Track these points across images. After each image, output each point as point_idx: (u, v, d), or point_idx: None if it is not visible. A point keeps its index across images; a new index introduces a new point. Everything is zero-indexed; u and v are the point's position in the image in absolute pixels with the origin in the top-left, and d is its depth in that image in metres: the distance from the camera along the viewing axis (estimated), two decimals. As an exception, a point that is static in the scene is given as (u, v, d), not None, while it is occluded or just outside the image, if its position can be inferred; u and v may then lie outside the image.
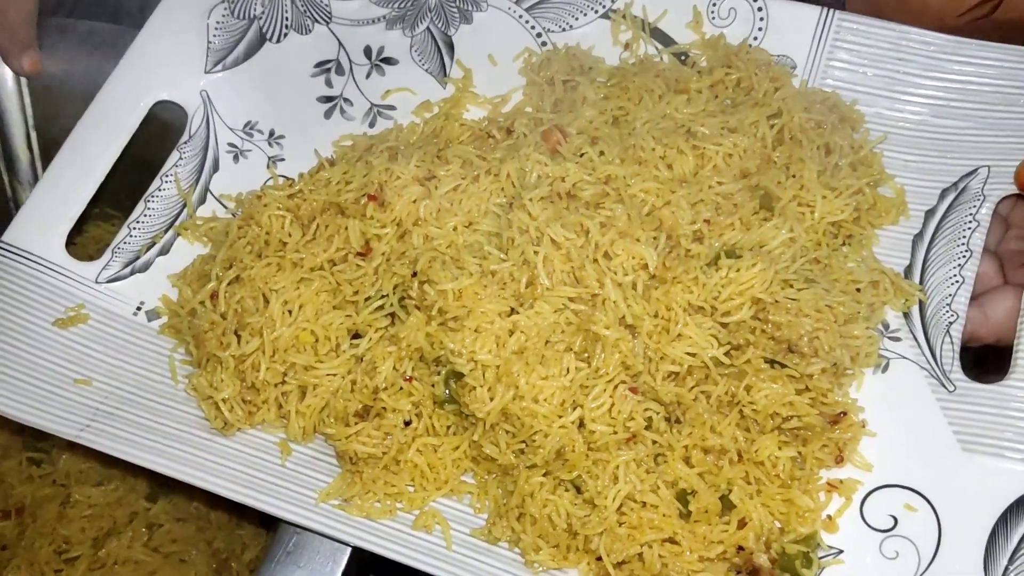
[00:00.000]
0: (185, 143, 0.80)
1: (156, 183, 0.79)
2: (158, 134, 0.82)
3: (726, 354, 0.65)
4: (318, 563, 0.66)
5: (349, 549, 0.66)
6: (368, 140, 0.78)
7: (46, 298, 0.74)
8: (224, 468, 0.67)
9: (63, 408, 0.69)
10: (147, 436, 0.68)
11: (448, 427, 0.67)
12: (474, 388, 0.64)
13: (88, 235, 0.95)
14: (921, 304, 0.68)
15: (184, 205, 0.79)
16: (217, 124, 0.81)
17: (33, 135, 0.88)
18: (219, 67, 0.82)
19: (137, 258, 0.77)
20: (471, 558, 0.63)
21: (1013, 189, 0.69)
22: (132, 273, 0.77)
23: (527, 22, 0.82)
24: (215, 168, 0.80)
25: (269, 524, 0.77)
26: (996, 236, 0.72)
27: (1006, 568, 0.58)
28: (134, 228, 0.78)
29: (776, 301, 0.65)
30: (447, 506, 0.66)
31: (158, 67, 0.81)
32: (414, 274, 0.69)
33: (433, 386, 0.66)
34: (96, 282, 0.76)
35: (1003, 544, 0.59)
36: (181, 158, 0.80)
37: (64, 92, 0.87)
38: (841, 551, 0.62)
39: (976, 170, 0.71)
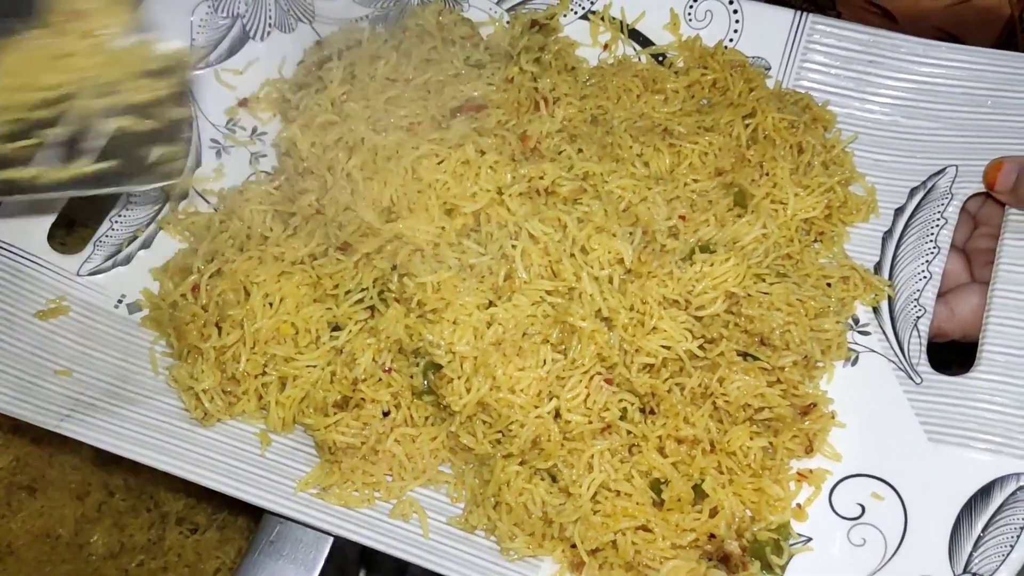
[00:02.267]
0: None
1: (139, 178, 0.80)
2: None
3: (700, 347, 0.66)
4: (301, 552, 0.66)
5: (331, 539, 0.66)
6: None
7: (28, 290, 0.75)
8: (204, 458, 0.67)
9: (43, 399, 0.70)
10: (127, 426, 0.69)
11: (426, 418, 0.68)
12: (451, 380, 0.65)
13: (77, 235, 0.95)
14: (890, 299, 0.70)
15: (166, 200, 0.80)
16: (200, 120, 0.82)
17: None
18: (202, 64, 0.83)
19: (119, 251, 0.78)
20: (448, 546, 0.64)
21: (980, 187, 0.71)
22: (114, 266, 0.77)
23: (508, 23, 0.84)
24: (198, 163, 0.81)
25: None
26: (964, 234, 0.74)
27: (970, 555, 0.59)
28: (116, 222, 0.78)
29: (749, 295, 0.67)
30: (424, 495, 0.67)
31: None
32: (394, 267, 0.70)
33: (412, 377, 0.67)
34: (78, 275, 0.76)
35: (967, 531, 0.60)
36: (163, 153, 0.81)
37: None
38: (810, 538, 0.63)
39: (944, 169, 0.73)
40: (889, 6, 0.78)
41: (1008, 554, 0.59)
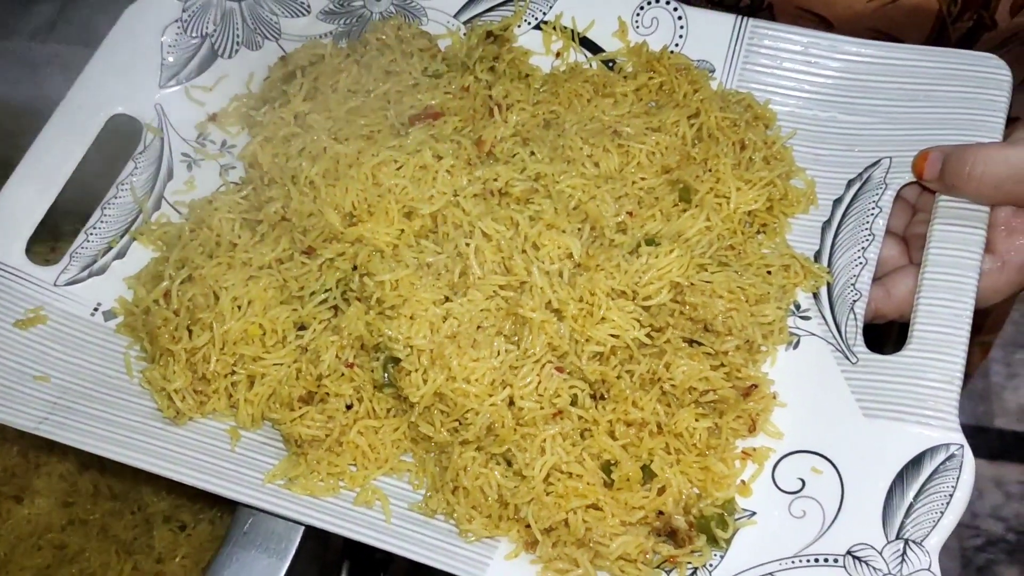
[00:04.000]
0: (140, 153, 0.85)
1: (112, 191, 0.83)
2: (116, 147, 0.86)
3: (647, 335, 0.70)
4: (273, 542, 0.69)
5: (302, 529, 0.69)
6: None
7: (7, 301, 0.78)
8: (176, 454, 0.70)
9: (21, 403, 0.73)
10: (103, 427, 0.72)
11: (388, 410, 0.71)
12: (410, 373, 0.68)
13: (61, 251, 0.99)
14: (829, 285, 0.73)
15: (140, 212, 0.83)
16: (171, 135, 0.85)
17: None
18: (172, 81, 0.87)
19: (94, 262, 0.81)
20: (409, 530, 0.67)
21: (912, 177, 0.74)
22: (89, 276, 0.81)
23: (464, 35, 0.87)
24: (169, 176, 0.85)
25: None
26: (904, 220, 0.77)
27: (903, 522, 0.62)
28: (91, 234, 0.82)
29: (692, 284, 0.70)
30: (387, 483, 0.70)
31: (114, 83, 0.85)
32: (354, 268, 0.73)
33: (373, 371, 0.71)
34: (55, 285, 0.80)
35: (900, 500, 0.63)
36: (136, 167, 0.84)
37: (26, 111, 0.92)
38: (754, 513, 0.66)
39: (879, 161, 0.76)
40: (824, 12, 0.81)
41: (939, 520, 0.62)
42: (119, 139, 0.86)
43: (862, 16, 0.80)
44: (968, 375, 1.08)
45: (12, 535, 0.88)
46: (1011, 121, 0.73)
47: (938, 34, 0.81)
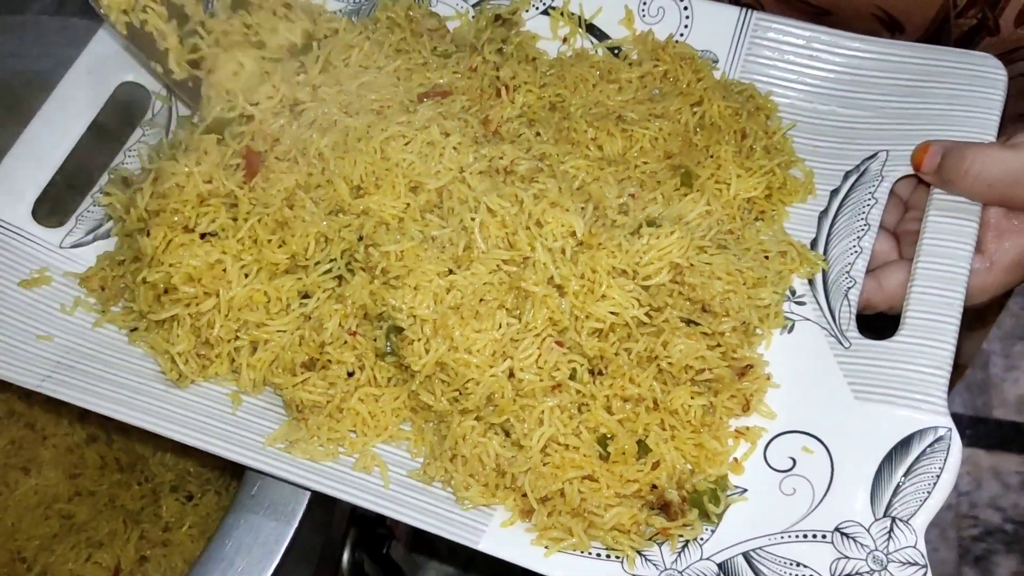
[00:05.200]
0: (148, 121, 0.85)
1: (119, 157, 0.84)
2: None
3: (646, 314, 0.71)
4: (280, 505, 0.70)
5: (308, 495, 0.70)
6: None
7: (12, 261, 0.79)
8: (178, 415, 0.71)
9: (25, 361, 0.74)
10: (104, 387, 0.72)
11: (389, 378, 0.72)
12: (412, 342, 0.69)
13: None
14: (824, 272, 0.75)
15: (146, 178, 0.84)
16: (178, 103, 0.86)
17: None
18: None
19: (100, 226, 0.82)
20: (407, 496, 0.68)
21: (909, 170, 0.76)
22: (95, 240, 0.81)
23: (473, 17, 0.89)
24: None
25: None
26: (896, 216, 0.79)
27: (890, 501, 0.64)
28: (97, 198, 0.82)
29: (692, 265, 0.72)
30: (386, 451, 0.71)
31: (124, 51, 0.86)
32: (360, 239, 0.74)
33: (375, 340, 0.72)
34: (60, 247, 0.80)
35: (888, 480, 0.64)
36: (144, 135, 0.85)
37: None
38: (745, 490, 0.67)
39: (876, 154, 0.78)
40: (824, 3, 0.83)
41: (925, 499, 0.63)
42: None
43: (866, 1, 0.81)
44: (964, 365, 1.10)
45: (20, 505, 0.89)
46: (1016, 118, 0.75)
47: (939, 26, 0.82)
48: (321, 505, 0.70)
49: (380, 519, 0.67)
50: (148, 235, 0.73)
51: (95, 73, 0.85)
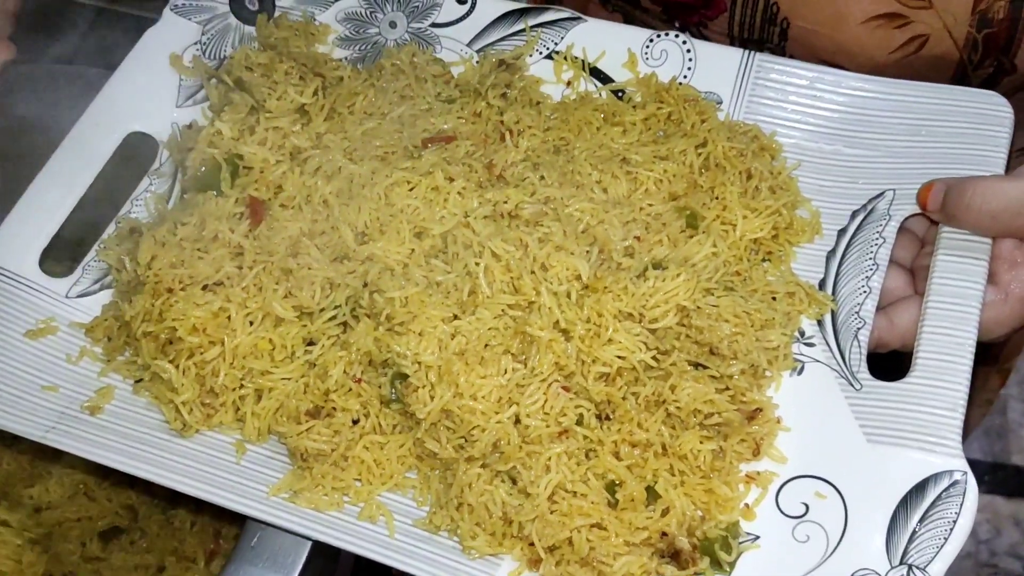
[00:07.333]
0: (155, 171, 0.86)
1: (127, 207, 0.84)
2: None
3: (653, 358, 0.70)
4: (280, 557, 0.69)
5: (309, 544, 0.69)
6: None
7: (19, 311, 0.79)
8: (181, 466, 0.71)
9: (30, 412, 0.73)
10: (109, 437, 0.72)
11: (394, 426, 0.71)
12: (417, 389, 0.69)
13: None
14: (833, 313, 0.74)
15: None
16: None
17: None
18: (190, 102, 0.88)
19: (106, 275, 0.82)
20: (413, 546, 0.67)
21: (916, 209, 0.75)
22: (101, 289, 0.81)
23: (477, 62, 0.89)
24: (183, 193, 0.86)
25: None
26: (911, 252, 0.78)
27: (906, 547, 0.62)
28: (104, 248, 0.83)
29: (699, 307, 0.71)
30: (392, 499, 0.70)
31: (133, 101, 0.87)
32: (365, 285, 0.74)
33: (380, 387, 0.71)
34: (67, 297, 0.80)
35: (903, 525, 0.63)
36: (152, 183, 0.85)
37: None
38: (758, 536, 0.66)
39: (883, 193, 0.77)
40: (845, 64, 0.83)
41: (942, 546, 0.62)
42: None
43: (883, 67, 0.81)
44: (989, 401, 1.08)
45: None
46: (1021, 152, 0.74)
47: (959, 82, 0.83)
48: (323, 556, 0.69)
49: (386, 570, 0.66)
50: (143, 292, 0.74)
51: (103, 124, 0.85)
